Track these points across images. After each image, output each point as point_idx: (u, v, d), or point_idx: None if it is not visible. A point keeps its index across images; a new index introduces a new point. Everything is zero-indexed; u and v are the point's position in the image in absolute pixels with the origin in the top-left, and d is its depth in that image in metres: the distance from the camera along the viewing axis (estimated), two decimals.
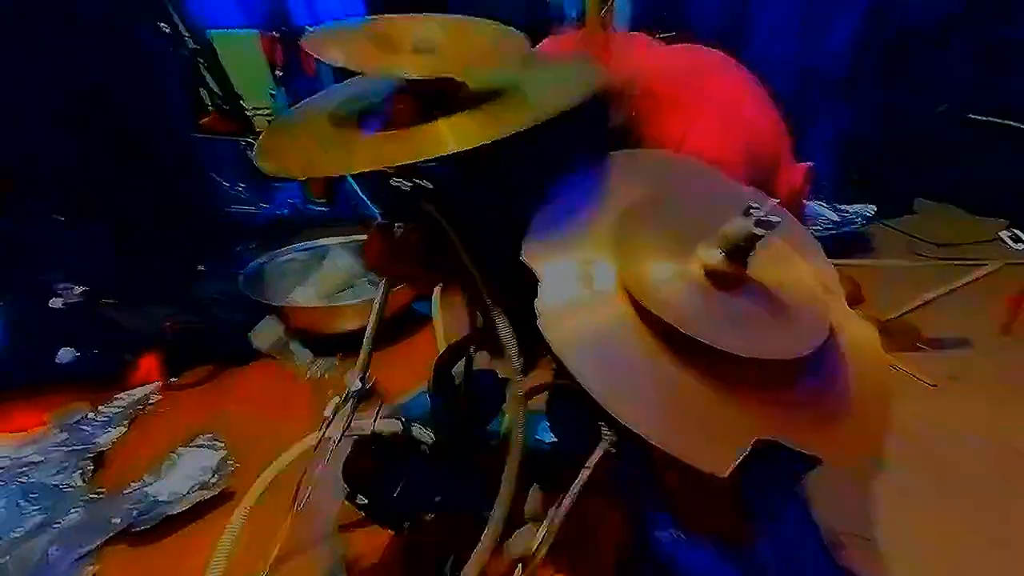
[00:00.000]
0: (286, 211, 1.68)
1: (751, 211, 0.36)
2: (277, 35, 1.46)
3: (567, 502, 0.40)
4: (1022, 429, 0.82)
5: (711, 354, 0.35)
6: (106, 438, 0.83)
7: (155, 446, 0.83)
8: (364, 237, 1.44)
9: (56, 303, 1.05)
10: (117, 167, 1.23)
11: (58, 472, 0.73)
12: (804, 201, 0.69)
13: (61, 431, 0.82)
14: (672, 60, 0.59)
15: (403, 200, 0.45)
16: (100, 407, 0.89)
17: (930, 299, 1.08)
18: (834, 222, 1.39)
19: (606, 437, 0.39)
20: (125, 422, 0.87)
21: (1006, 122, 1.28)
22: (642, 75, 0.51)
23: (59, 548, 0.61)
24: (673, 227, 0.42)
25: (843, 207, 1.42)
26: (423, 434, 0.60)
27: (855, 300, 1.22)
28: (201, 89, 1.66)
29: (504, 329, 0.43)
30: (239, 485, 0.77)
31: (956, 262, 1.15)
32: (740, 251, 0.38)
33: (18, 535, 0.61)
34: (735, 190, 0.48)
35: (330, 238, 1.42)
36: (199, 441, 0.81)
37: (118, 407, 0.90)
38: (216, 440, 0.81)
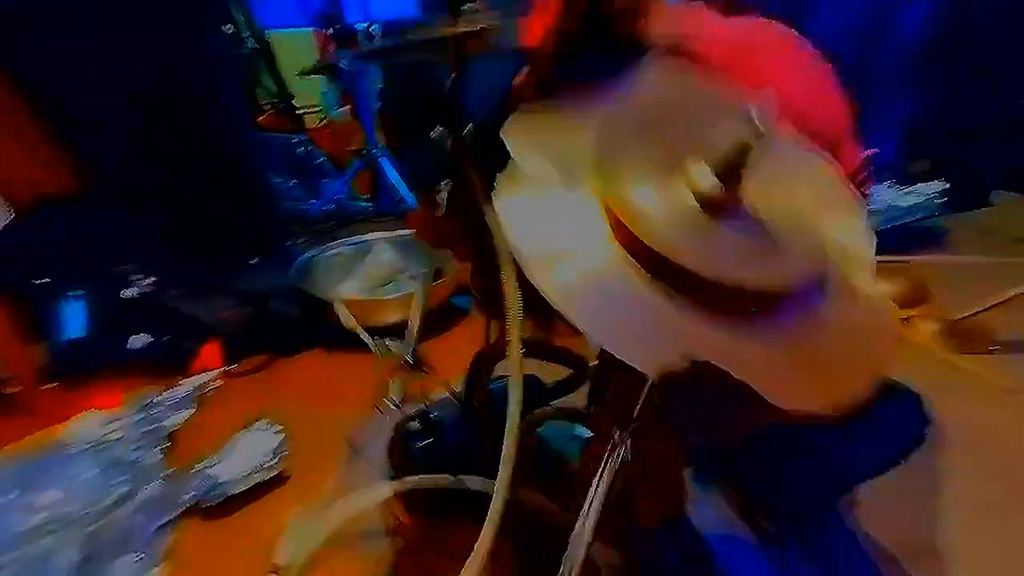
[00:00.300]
0: (332, 207, 1.75)
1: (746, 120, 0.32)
2: (331, 33, 1.52)
3: (591, 517, 0.40)
4: None
5: (693, 282, 0.33)
6: (175, 420, 0.89)
7: (217, 429, 0.87)
8: (407, 232, 1.51)
9: (129, 292, 1.14)
10: (181, 164, 1.32)
11: (136, 448, 0.79)
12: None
13: (136, 411, 0.89)
14: (729, 32, 0.57)
15: (439, 157, 0.45)
16: (168, 391, 0.96)
17: (1005, 299, 1.01)
18: (902, 208, 1.30)
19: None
20: (193, 404, 0.94)
21: None
22: (695, 41, 0.50)
23: (142, 517, 0.66)
24: (657, 138, 0.39)
25: (912, 188, 1.33)
26: None
27: (920, 299, 1.15)
28: (258, 88, 1.75)
29: (508, 282, 0.41)
30: (294, 468, 0.82)
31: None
32: (732, 168, 0.35)
33: (109, 503, 0.67)
34: (735, 99, 0.46)
35: (374, 233, 1.47)
36: (258, 426, 0.85)
37: (184, 391, 0.96)
38: (273, 425, 0.85)
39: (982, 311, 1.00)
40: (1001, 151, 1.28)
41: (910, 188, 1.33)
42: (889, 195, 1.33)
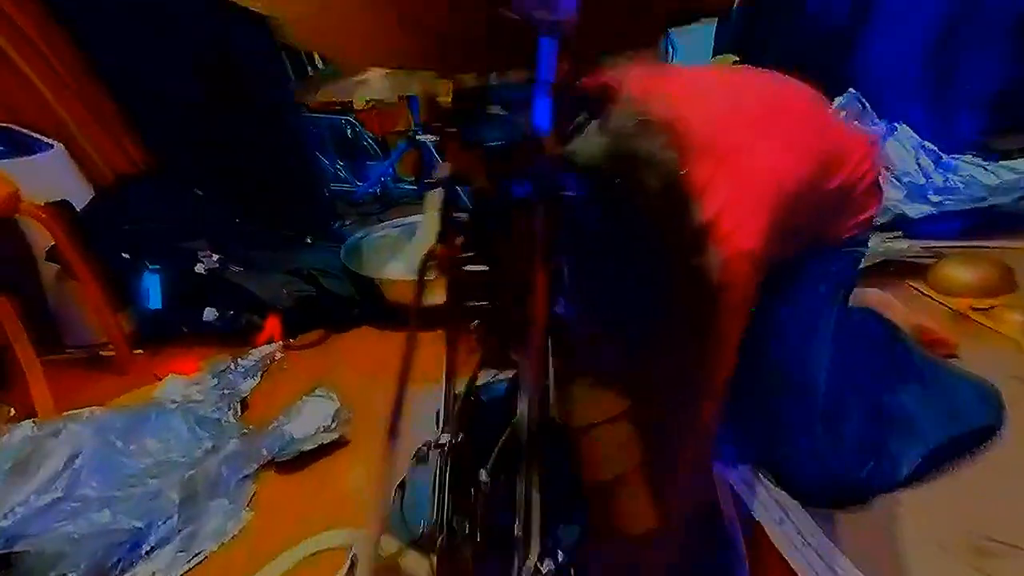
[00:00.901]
0: (377, 189, 1.83)
1: None
2: None
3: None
4: None
5: None
6: (247, 385, 0.98)
7: (283, 394, 0.96)
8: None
9: (200, 268, 1.25)
10: (239, 142, 1.42)
11: (215, 409, 0.89)
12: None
13: (212, 377, 0.99)
14: (712, 103, 0.61)
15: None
16: (239, 359, 1.06)
17: None
18: (987, 186, 1.21)
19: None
20: (259, 373, 1.03)
21: None
22: (682, 116, 0.50)
23: (227, 468, 0.75)
24: None
25: (1000, 165, 1.24)
26: None
27: (1006, 287, 1.09)
28: (309, 68, 1.83)
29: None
30: (353, 433, 0.89)
31: None
32: None
33: (199, 455, 0.77)
34: None
35: (419, 215, 1.53)
36: (318, 392, 0.94)
37: (252, 360, 1.05)
38: (331, 393, 0.93)
39: None
40: None
41: (997, 165, 1.25)
42: (975, 171, 1.25)
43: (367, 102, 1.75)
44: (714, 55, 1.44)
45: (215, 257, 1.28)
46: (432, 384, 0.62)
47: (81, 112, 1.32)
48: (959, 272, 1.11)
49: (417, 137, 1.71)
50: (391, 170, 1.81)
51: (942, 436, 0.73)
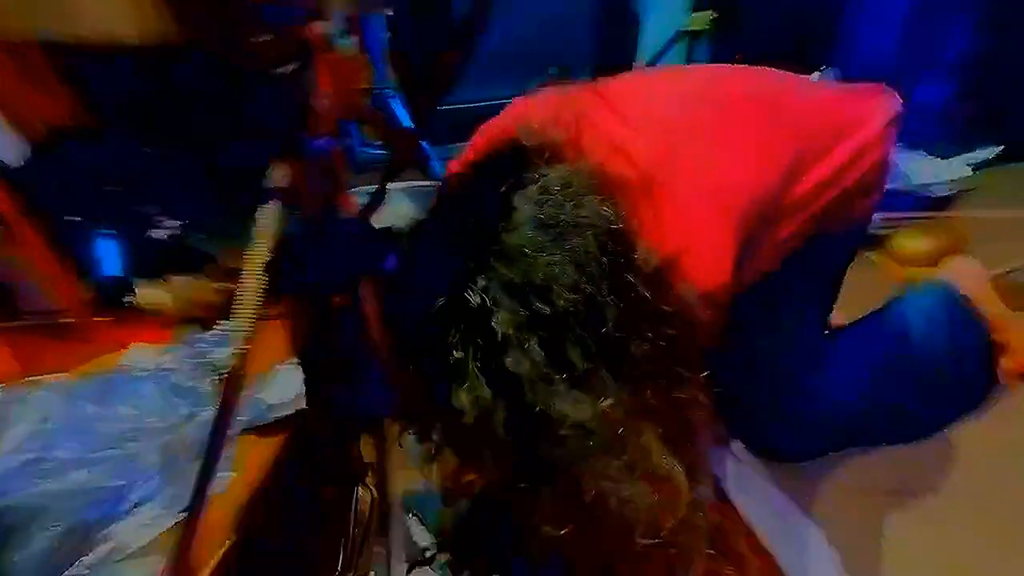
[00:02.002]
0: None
1: None
2: None
3: None
4: None
5: None
6: (220, 354, 1.01)
7: (258, 363, 1.00)
8: (427, 183, 1.55)
9: (159, 234, 1.24)
10: (186, 98, 1.37)
11: (190, 377, 0.91)
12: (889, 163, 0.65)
13: (185, 345, 1.01)
14: (637, 135, 0.54)
15: None
16: (211, 329, 1.08)
17: None
18: (940, 183, 1.28)
19: None
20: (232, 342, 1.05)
21: None
22: (623, 148, 0.49)
23: (207, 433, 0.79)
24: None
25: (954, 159, 1.33)
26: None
27: (953, 249, 1.19)
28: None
29: None
30: None
31: None
32: None
33: (176, 421, 0.79)
34: None
35: (390, 183, 1.52)
36: (291, 362, 0.97)
37: (224, 330, 1.08)
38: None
39: (1018, 268, 1.03)
40: None
41: (954, 158, 1.31)
42: (934, 168, 1.29)
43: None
44: (692, 11, 1.45)
45: (175, 223, 1.26)
46: None
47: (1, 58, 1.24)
48: (914, 242, 1.21)
49: (383, 93, 1.66)
50: (355, 132, 1.77)
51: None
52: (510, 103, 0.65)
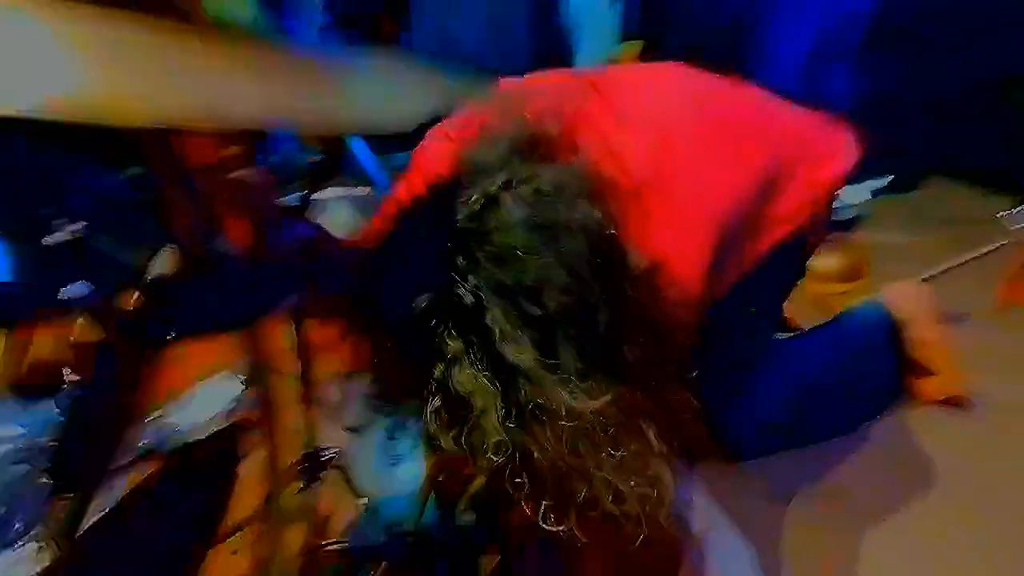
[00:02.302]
0: (278, 159, 1.70)
1: None
2: None
3: None
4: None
5: None
6: None
7: (174, 378, 0.90)
8: (365, 191, 1.50)
9: (53, 239, 1.10)
10: None
11: None
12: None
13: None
14: (633, 140, 0.55)
15: None
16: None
17: (933, 274, 1.16)
18: (846, 207, 1.39)
19: None
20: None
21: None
22: (614, 151, 0.50)
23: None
24: None
25: (856, 186, 1.44)
26: None
27: (857, 274, 1.32)
28: None
29: None
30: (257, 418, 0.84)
31: (962, 241, 1.23)
32: None
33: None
34: None
35: (329, 190, 1.44)
36: (219, 377, 0.88)
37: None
38: (236, 376, 0.88)
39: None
40: (934, 136, 1.44)
41: (855, 185, 1.40)
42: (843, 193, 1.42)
43: None
44: (622, 40, 1.53)
45: (76, 226, 1.13)
46: None
47: None
48: (826, 260, 1.33)
49: None
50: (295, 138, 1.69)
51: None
52: (501, 82, 0.64)
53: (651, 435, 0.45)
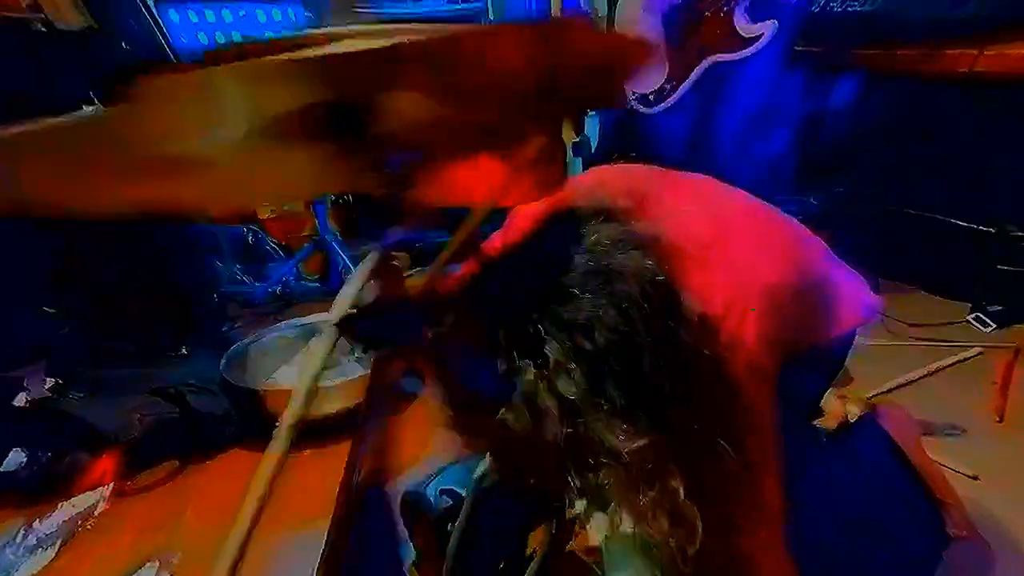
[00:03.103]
0: (278, 288, 1.61)
1: None
2: None
3: None
4: None
5: None
6: (25, 570, 0.67)
7: (89, 569, 0.67)
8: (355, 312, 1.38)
9: (20, 400, 0.93)
10: (105, 258, 1.17)
11: None
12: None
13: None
14: (698, 215, 0.56)
15: None
16: (35, 522, 0.74)
17: (914, 379, 1.01)
18: None
19: None
20: (56, 544, 0.72)
21: (933, 215, 1.27)
22: (669, 229, 0.49)
23: None
24: None
25: None
26: None
27: (847, 380, 1.13)
28: None
29: None
30: None
31: (938, 343, 1.08)
32: None
33: None
34: None
35: (320, 314, 1.33)
36: (143, 574, 0.65)
37: (53, 523, 0.74)
38: (161, 572, 0.65)
39: (891, 390, 1.00)
40: (884, 243, 1.35)
41: None
42: None
43: (271, 211, 1.61)
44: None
45: (49, 383, 0.97)
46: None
47: None
48: None
49: (324, 239, 1.57)
50: (295, 269, 1.62)
51: None
52: (591, 172, 0.67)
53: (682, 481, 0.43)
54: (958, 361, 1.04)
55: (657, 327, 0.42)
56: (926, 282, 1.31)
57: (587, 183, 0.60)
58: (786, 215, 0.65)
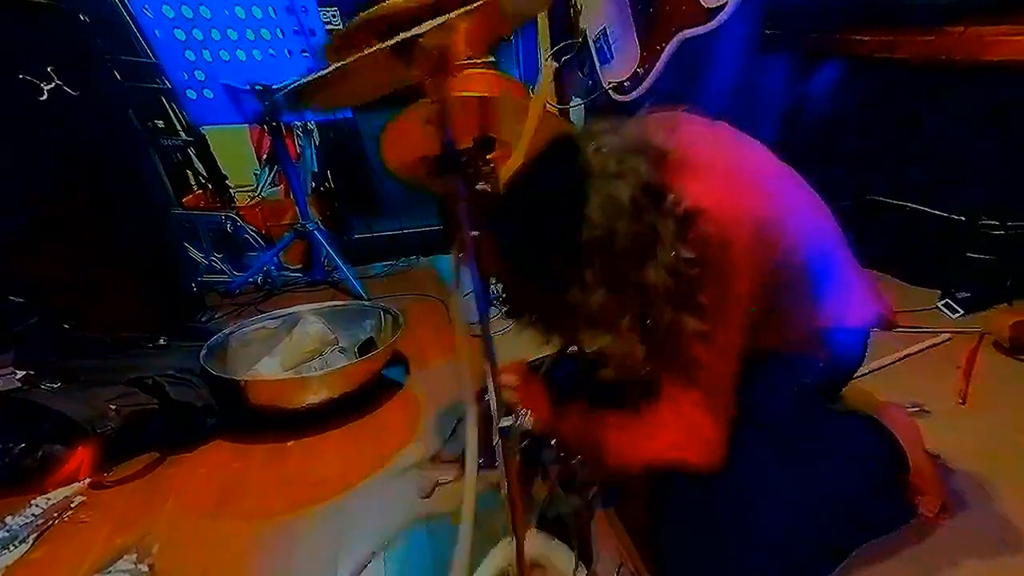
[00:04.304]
0: (258, 278, 1.58)
1: None
2: (266, 128, 1.49)
3: None
4: None
5: None
6: (5, 560, 0.66)
7: (61, 571, 0.67)
8: (338, 303, 1.36)
9: None
10: (80, 240, 1.13)
11: None
12: None
13: None
14: (696, 133, 0.60)
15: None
16: (8, 517, 0.73)
17: (884, 365, 1.03)
18: None
19: None
20: (31, 538, 0.71)
21: (905, 204, 1.28)
22: (683, 146, 0.54)
23: None
24: None
25: None
26: None
27: None
28: (188, 171, 1.62)
29: None
30: None
31: (908, 330, 1.11)
32: None
33: None
34: None
35: (302, 305, 1.30)
36: (120, 566, 0.64)
37: (28, 516, 0.73)
38: (139, 565, 0.65)
39: (861, 376, 0.99)
40: (856, 231, 1.37)
41: None
42: None
43: (251, 199, 1.58)
44: None
45: (19, 375, 0.94)
46: None
47: None
48: None
49: (305, 227, 1.53)
50: (275, 259, 1.59)
51: None
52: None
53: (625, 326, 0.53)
54: (929, 346, 1.06)
55: (640, 224, 0.49)
56: (898, 270, 1.32)
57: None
58: (818, 197, 0.65)
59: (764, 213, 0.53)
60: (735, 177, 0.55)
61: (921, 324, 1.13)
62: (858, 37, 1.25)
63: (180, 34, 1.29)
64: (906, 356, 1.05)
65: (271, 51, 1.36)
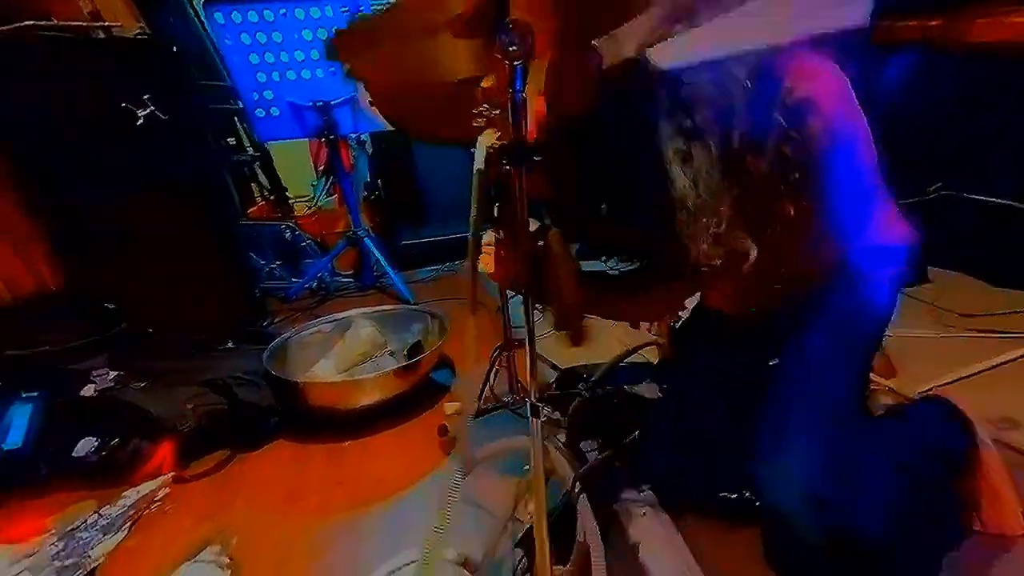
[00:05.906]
0: (314, 284, 1.64)
1: None
2: (324, 141, 1.56)
3: None
4: None
5: None
6: (101, 549, 0.71)
7: (155, 557, 0.71)
8: (387, 307, 1.39)
9: (88, 391, 0.98)
10: (160, 254, 1.22)
11: None
12: None
13: (59, 539, 0.71)
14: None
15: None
16: (104, 507, 0.78)
17: (973, 373, 0.93)
18: None
19: None
20: (127, 526, 0.76)
21: (983, 198, 1.17)
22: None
23: None
24: None
25: None
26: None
27: (888, 373, 1.06)
28: (253, 184, 1.73)
29: None
30: None
31: (994, 335, 0.99)
32: None
33: None
34: None
35: (354, 309, 1.34)
36: (204, 556, 0.68)
37: (122, 506, 0.79)
38: (221, 556, 0.68)
39: (944, 384, 0.92)
40: (938, 228, 1.25)
41: None
42: None
43: (309, 208, 1.65)
44: None
45: (112, 375, 1.02)
46: None
47: None
48: None
49: (357, 234, 1.58)
50: (329, 265, 1.65)
51: None
52: None
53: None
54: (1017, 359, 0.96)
55: (754, 107, 0.48)
56: (979, 270, 1.20)
57: None
58: None
59: (864, 120, 0.56)
60: (843, 81, 0.56)
61: (1012, 329, 1.02)
62: (932, 23, 1.15)
63: (254, 58, 1.37)
64: (998, 365, 0.95)
65: (332, 69, 1.42)
